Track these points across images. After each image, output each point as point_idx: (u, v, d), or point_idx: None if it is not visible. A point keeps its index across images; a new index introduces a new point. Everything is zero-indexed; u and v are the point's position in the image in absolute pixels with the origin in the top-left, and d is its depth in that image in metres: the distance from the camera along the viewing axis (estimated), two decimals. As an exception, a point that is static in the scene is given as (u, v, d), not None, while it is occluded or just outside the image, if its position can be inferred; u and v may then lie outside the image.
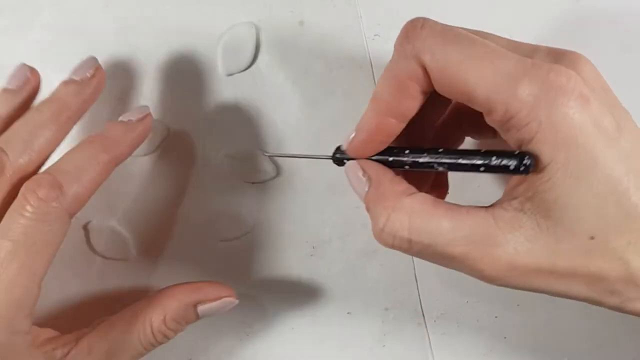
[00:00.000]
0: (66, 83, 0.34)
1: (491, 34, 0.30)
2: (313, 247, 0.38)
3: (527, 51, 0.28)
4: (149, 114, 0.35)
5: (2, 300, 0.30)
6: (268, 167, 0.37)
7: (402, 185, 0.29)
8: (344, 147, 0.30)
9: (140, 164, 0.38)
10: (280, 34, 0.37)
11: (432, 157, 0.28)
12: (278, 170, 0.37)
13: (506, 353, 0.38)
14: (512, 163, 0.26)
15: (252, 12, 0.37)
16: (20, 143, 0.32)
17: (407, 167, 0.29)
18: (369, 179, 0.29)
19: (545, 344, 0.38)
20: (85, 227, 0.38)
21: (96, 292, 0.39)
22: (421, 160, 0.29)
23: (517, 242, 0.26)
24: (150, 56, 0.37)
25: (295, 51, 0.37)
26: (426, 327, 0.38)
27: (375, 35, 0.37)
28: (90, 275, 0.39)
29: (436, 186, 0.34)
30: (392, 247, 0.28)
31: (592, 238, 0.26)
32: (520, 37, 0.35)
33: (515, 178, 0.27)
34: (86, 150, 0.32)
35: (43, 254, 0.31)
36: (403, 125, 0.29)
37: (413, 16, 0.36)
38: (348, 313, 0.38)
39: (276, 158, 0.37)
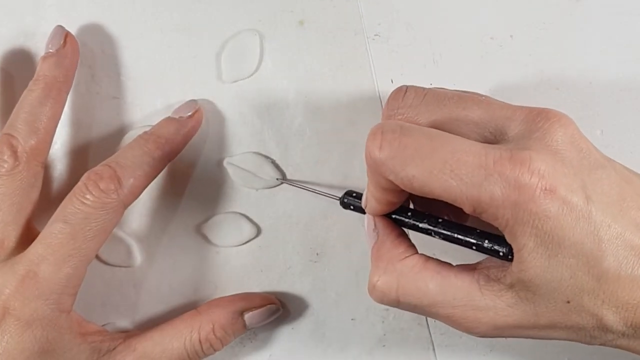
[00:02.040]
0: (45, 58, 0.36)
1: (472, 96, 0.30)
2: (317, 254, 0.38)
3: (502, 120, 0.29)
4: (200, 109, 0.36)
5: (53, 276, 0.32)
6: (272, 174, 0.37)
7: (401, 247, 0.31)
8: (363, 205, 0.33)
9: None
10: (282, 38, 0.37)
11: (430, 225, 0.31)
12: (283, 177, 0.37)
13: (506, 353, 0.38)
14: (502, 250, 0.29)
15: (252, 12, 0.37)
16: (25, 125, 0.34)
17: (407, 228, 0.32)
18: (378, 235, 0.32)
19: (545, 344, 0.38)
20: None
21: (100, 299, 0.39)
22: (420, 225, 0.31)
23: (497, 309, 0.28)
24: (153, 63, 0.37)
25: (298, 56, 0.37)
26: (427, 327, 0.38)
27: (375, 35, 0.37)
28: (94, 283, 0.38)
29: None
30: (382, 303, 0.31)
31: (568, 302, 0.28)
32: (521, 38, 0.36)
33: None
34: (141, 146, 0.34)
35: (96, 240, 0.33)
36: (402, 200, 0.31)
37: (414, 16, 0.36)
38: (352, 319, 0.38)
39: (279, 164, 0.37)
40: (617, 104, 0.36)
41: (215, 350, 0.36)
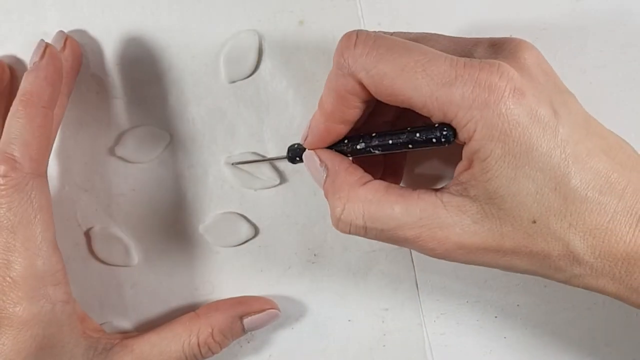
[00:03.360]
0: None
1: (434, 34, 0.31)
2: (315, 255, 0.38)
3: (468, 46, 0.30)
4: (48, 46, 0.34)
5: (27, 274, 0.32)
6: (270, 174, 0.37)
7: (356, 174, 0.31)
8: (302, 139, 0.33)
9: (142, 170, 0.38)
10: (281, 38, 0.37)
11: (366, 143, 0.31)
12: (280, 178, 0.37)
13: (506, 353, 0.38)
14: (434, 135, 0.28)
15: (252, 12, 0.37)
16: None
17: (349, 155, 0.32)
18: (326, 169, 0.31)
19: (545, 344, 0.38)
20: (87, 234, 0.38)
21: (97, 298, 0.39)
22: (358, 147, 0.31)
23: (463, 224, 0.28)
24: (152, 63, 0.37)
25: (297, 57, 0.37)
26: (426, 327, 0.38)
27: (375, 35, 0.37)
28: (92, 282, 0.39)
29: (390, 174, 0.35)
30: (349, 233, 0.30)
31: (534, 222, 0.27)
32: (521, 38, 0.36)
33: (462, 164, 0.28)
34: (18, 112, 0.32)
35: (39, 220, 0.32)
36: (349, 127, 0.31)
37: (414, 17, 0.36)
38: (351, 320, 0.38)
39: (278, 164, 0.37)
40: (617, 103, 0.36)
41: (213, 354, 0.36)
